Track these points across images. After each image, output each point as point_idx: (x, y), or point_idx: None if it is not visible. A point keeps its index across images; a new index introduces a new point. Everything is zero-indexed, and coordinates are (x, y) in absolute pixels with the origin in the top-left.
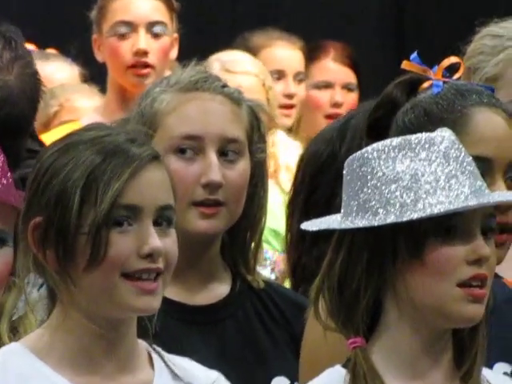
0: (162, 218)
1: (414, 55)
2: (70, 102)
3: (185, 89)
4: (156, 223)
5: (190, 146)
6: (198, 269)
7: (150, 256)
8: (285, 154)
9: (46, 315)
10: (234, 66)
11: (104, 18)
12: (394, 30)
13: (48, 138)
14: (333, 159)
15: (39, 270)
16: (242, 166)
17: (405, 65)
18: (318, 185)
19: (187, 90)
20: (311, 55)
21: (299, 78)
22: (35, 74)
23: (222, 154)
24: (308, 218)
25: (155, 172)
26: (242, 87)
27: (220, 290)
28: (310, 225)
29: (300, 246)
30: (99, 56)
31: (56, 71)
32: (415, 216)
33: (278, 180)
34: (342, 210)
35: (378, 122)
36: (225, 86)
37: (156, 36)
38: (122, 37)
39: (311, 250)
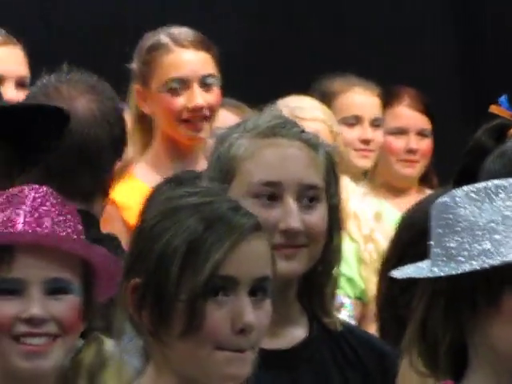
0: (258, 289)
1: (503, 99)
2: None
3: (262, 134)
4: (251, 293)
5: (268, 193)
6: (275, 312)
7: (243, 331)
8: (351, 201)
9: (142, 370)
10: (303, 112)
11: (153, 73)
12: (470, 75)
13: (119, 195)
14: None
15: (135, 329)
16: (321, 211)
17: (493, 109)
18: (409, 254)
19: (265, 135)
20: (385, 101)
21: (376, 123)
22: (113, 100)
23: (300, 199)
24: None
25: (256, 243)
26: None
27: (297, 333)
28: (400, 273)
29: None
30: (146, 108)
31: None
32: (488, 264)
33: (347, 229)
34: (429, 257)
35: (467, 168)
36: (303, 131)
37: (208, 88)
38: (176, 92)
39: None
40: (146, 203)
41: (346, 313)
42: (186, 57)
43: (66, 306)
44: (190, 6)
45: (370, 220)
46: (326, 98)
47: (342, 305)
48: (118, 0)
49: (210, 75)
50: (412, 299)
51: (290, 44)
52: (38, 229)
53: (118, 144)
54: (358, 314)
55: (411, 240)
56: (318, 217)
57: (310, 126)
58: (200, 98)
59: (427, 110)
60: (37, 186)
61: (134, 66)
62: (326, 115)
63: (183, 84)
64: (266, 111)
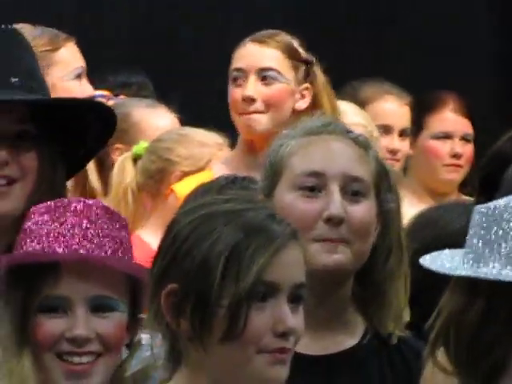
0: (296, 296)
1: None
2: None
3: (310, 132)
4: (289, 300)
5: (312, 183)
6: (323, 315)
7: (284, 335)
8: None
9: (168, 376)
10: (343, 118)
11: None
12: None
13: (181, 188)
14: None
15: (168, 335)
16: (366, 205)
17: None
18: None
19: (312, 133)
20: (429, 106)
21: (405, 134)
22: None
23: (345, 191)
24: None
25: (294, 250)
26: None
27: (346, 340)
28: (435, 265)
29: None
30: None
31: (154, 117)
32: None
33: None
34: (471, 256)
35: (489, 177)
36: (350, 131)
37: (266, 82)
38: (236, 82)
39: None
40: (190, 197)
41: None
42: (249, 48)
43: (111, 323)
44: None
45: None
46: (357, 104)
47: None
48: None
49: (271, 69)
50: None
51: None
52: (84, 245)
53: None
54: None
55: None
56: (362, 210)
57: None
58: (251, 89)
59: (470, 115)
60: (85, 200)
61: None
62: (366, 120)
63: (242, 73)
64: (317, 115)
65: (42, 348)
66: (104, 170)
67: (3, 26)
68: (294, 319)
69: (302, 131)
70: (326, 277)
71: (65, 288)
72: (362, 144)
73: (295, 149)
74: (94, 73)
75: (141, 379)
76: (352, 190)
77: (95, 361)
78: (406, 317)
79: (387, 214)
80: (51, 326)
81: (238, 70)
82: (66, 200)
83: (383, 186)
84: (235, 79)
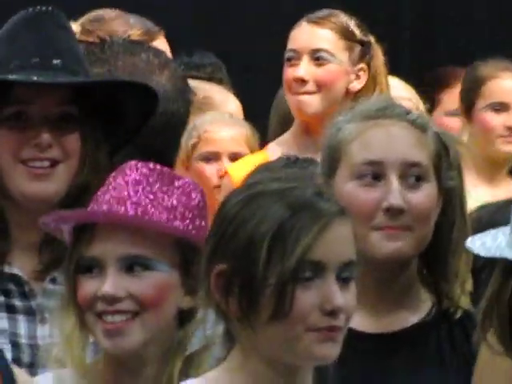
0: (345, 274)
1: None
2: (208, 134)
3: (368, 117)
4: (338, 278)
5: (371, 172)
6: (387, 296)
7: (333, 313)
8: None
9: (224, 355)
10: (390, 92)
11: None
12: None
13: (237, 169)
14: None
15: (220, 314)
16: (427, 190)
17: None
18: None
19: (370, 117)
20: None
21: None
22: (185, 77)
23: (404, 178)
24: None
25: (341, 227)
26: None
27: (409, 318)
28: (480, 248)
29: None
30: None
31: (225, 103)
32: None
33: None
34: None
35: None
36: (408, 112)
37: (319, 63)
38: (289, 63)
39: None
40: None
41: None
42: (304, 29)
43: (147, 282)
44: None
45: None
46: (476, 83)
47: None
48: None
49: (323, 50)
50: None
51: None
52: (118, 208)
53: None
54: None
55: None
56: (423, 196)
57: None
58: (303, 70)
59: None
60: (140, 164)
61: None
62: (411, 93)
63: (296, 54)
64: (374, 96)
65: (84, 308)
66: None
67: (44, 8)
68: (343, 297)
69: (359, 115)
70: (389, 263)
71: (97, 248)
72: (420, 126)
73: (353, 134)
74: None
75: (200, 350)
76: (411, 176)
77: (130, 320)
78: (469, 287)
79: (449, 192)
80: (87, 286)
81: (293, 50)
82: (128, 164)
83: (443, 165)
84: (289, 59)
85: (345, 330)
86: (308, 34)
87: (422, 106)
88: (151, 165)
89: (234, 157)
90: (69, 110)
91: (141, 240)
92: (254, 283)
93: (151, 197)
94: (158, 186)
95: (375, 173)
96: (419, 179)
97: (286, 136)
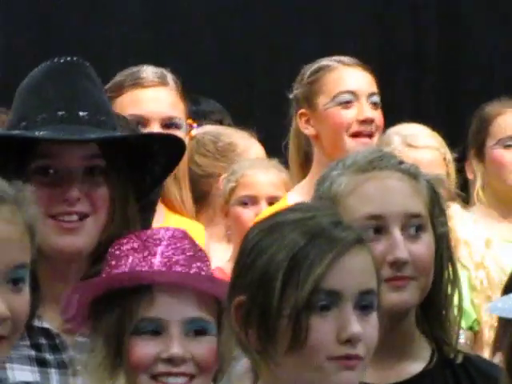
0: (363, 303)
1: None
2: (246, 178)
3: (362, 169)
4: (357, 307)
5: (373, 226)
6: (390, 345)
7: (350, 342)
8: (462, 228)
9: None
10: (416, 140)
11: (319, 91)
12: None
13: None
14: None
15: (242, 347)
16: (426, 239)
17: None
18: None
19: (364, 170)
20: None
21: None
22: None
23: (405, 229)
24: None
25: (358, 256)
26: (424, 161)
27: (413, 367)
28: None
29: None
30: (309, 130)
31: (249, 148)
32: None
33: (458, 256)
34: None
35: None
36: (401, 162)
37: (375, 107)
38: (346, 105)
39: None
40: None
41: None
42: (353, 73)
43: (204, 346)
44: None
45: (480, 247)
46: (484, 123)
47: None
48: None
49: (376, 94)
50: None
51: None
52: (176, 268)
53: None
54: (471, 345)
55: None
56: (424, 247)
57: (423, 154)
58: (369, 111)
59: None
60: (171, 227)
61: (296, 92)
62: (438, 143)
63: (354, 97)
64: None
65: (137, 370)
66: (206, 201)
67: (69, 58)
68: (361, 326)
69: (352, 167)
70: (393, 313)
71: (160, 310)
72: (414, 174)
73: (349, 188)
74: None
75: None
76: (412, 227)
77: (188, 382)
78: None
79: (440, 237)
80: (147, 347)
81: (350, 92)
82: (153, 229)
83: (435, 210)
84: (347, 102)
85: (366, 360)
86: (362, 77)
87: (449, 156)
88: (179, 228)
89: (272, 201)
90: (96, 163)
91: (201, 301)
92: (271, 314)
93: (196, 258)
94: (193, 247)
95: (377, 226)
96: (418, 229)
97: (305, 182)
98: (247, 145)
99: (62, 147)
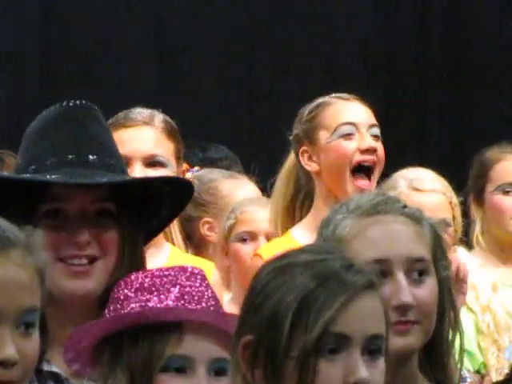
0: (372, 347)
1: None
2: (245, 214)
3: (366, 213)
4: (365, 352)
5: (377, 270)
6: None
7: None
8: (469, 272)
9: None
10: (422, 184)
11: (319, 126)
12: None
13: (266, 250)
14: None
15: None
16: (430, 284)
17: None
18: None
19: (368, 214)
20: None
21: None
22: None
23: (409, 274)
24: None
25: (368, 301)
26: (430, 205)
27: None
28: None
29: None
30: (312, 166)
31: (239, 189)
32: None
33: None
34: None
35: None
36: (405, 206)
37: (376, 139)
38: (348, 136)
39: None
40: None
41: None
42: (352, 105)
43: None
44: None
45: (487, 290)
46: (483, 169)
47: (464, 379)
48: None
49: (376, 126)
50: None
51: None
52: (206, 307)
53: None
54: None
55: None
56: (427, 291)
57: (429, 198)
58: (371, 141)
59: None
60: (186, 266)
61: (296, 131)
62: (444, 187)
63: (354, 128)
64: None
65: None
66: (192, 243)
67: (78, 102)
68: (368, 371)
69: (357, 211)
70: (398, 356)
71: (189, 348)
72: (418, 219)
73: (353, 231)
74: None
75: None
76: (415, 271)
77: None
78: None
79: (442, 281)
80: None
81: (351, 124)
82: (168, 268)
83: (438, 254)
84: (348, 134)
85: None
86: (361, 110)
87: (455, 200)
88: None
89: (270, 236)
90: (106, 207)
91: (224, 341)
92: (278, 355)
93: (213, 297)
94: (208, 286)
95: (381, 270)
96: (422, 273)
97: (312, 218)
98: (231, 188)
99: (72, 191)
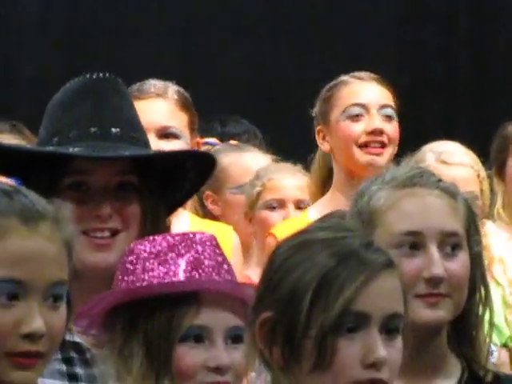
0: (390, 326)
1: None
2: (273, 182)
3: (401, 185)
4: (382, 331)
5: (410, 242)
6: (422, 362)
7: (374, 365)
8: (496, 246)
9: None
10: (450, 158)
11: (333, 105)
12: None
13: (281, 230)
14: None
15: (264, 363)
16: (462, 258)
17: None
18: None
19: (404, 186)
20: None
21: None
22: None
23: (442, 247)
24: None
25: (388, 280)
26: (458, 178)
27: (442, 383)
28: None
29: None
30: (325, 145)
31: (252, 161)
32: None
33: (492, 273)
34: None
35: None
36: (440, 180)
37: (388, 119)
38: (355, 118)
39: None
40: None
41: (492, 360)
42: (367, 86)
43: (241, 356)
44: None
45: None
46: (505, 142)
47: (490, 353)
48: None
49: (389, 107)
50: None
51: None
52: (224, 277)
53: None
54: (505, 362)
55: None
56: (460, 265)
57: (457, 171)
58: (379, 122)
59: None
60: (205, 233)
61: (315, 109)
62: (473, 160)
63: (364, 110)
64: (404, 163)
65: (185, 378)
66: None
67: (101, 74)
68: (386, 350)
69: (392, 182)
70: (427, 329)
71: (206, 318)
72: (452, 193)
73: (388, 203)
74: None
75: None
76: (448, 245)
77: None
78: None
79: (474, 257)
80: (194, 355)
81: (360, 105)
82: (186, 233)
83: (472, 229)
84: (357, 114)
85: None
86: (374, 90)
87: (483, 173)
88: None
89: (299, 204)
90: (128, 180)
91: (239, 309)
92: (297, 333)
93: (228, 265)
94: (223, 254)
95: (414, 243)
96: (455, 248)
97: (327, 197)
98: (231, 160)
99: (95, 164)
